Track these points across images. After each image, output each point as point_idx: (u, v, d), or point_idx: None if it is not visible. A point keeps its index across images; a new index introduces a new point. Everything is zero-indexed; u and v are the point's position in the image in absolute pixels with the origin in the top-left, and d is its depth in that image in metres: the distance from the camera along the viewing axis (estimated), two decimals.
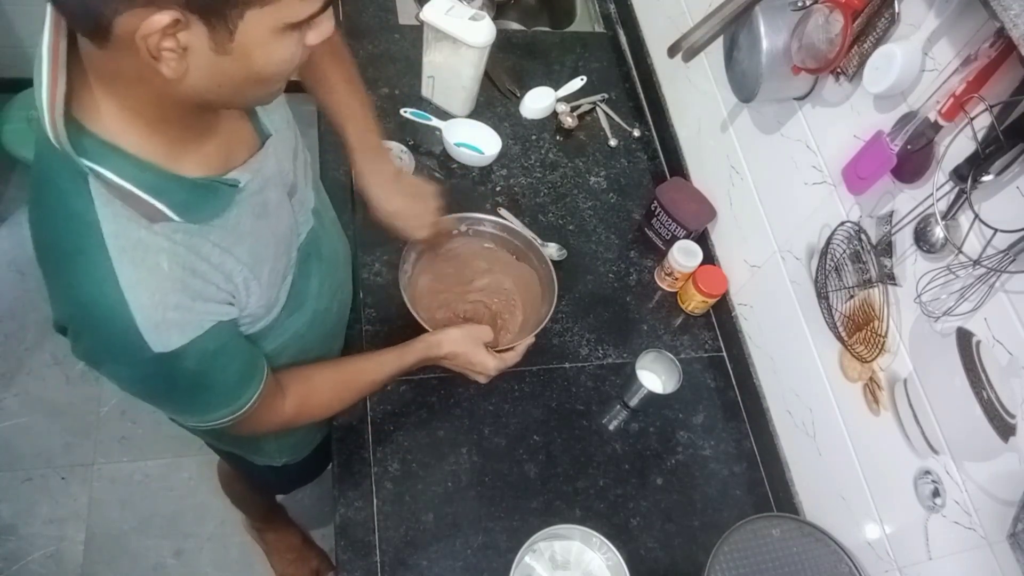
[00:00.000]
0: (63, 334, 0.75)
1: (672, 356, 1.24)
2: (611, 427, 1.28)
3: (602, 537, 1.10)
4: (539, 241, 1.30)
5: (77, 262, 0.66)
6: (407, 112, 1.47)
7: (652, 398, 1.24)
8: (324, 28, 0.66)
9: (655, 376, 1.28)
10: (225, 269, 0.75)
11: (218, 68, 0.60)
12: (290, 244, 0.88)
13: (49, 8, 0.58)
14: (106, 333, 0.68)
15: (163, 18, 0.54)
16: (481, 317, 1.26)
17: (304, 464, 1.31)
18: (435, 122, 1.48)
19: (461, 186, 1.46)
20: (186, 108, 0.66)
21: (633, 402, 1.28)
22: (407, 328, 1.15)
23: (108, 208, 0.64)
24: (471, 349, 1.08)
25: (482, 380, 1.13)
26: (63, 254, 0.67)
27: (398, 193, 1.09)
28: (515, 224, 1.30)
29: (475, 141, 1.49)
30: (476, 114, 1.55)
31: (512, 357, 1.13)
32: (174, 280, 0.69)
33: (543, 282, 1.24)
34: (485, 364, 1.09)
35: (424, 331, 1.11)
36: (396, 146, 1.40)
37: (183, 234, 0.69)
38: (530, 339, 1.16)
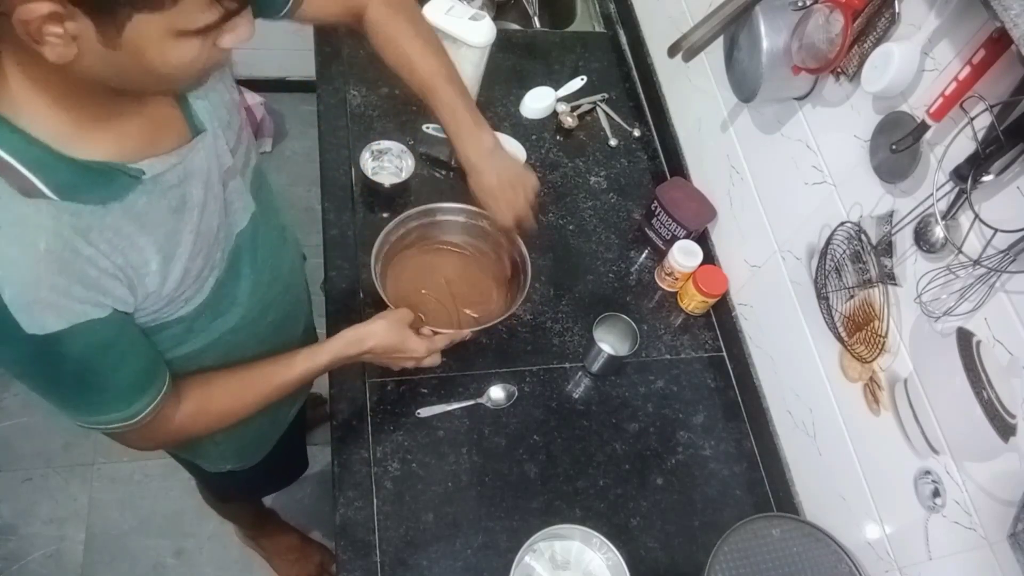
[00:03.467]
0: None
1: (628, 319, 1.26)
2: (576, 395, 1.29)
3: (602, 537, 1.10)
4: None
5: None
6: (430, 128, 1.45)
7: (611, 361, 1.27)
8: (241, 32, 0.64)
9: (614, 339, 1.30)
10: (121, 254, 0.71)
11: (110, 60, 0.58)
12: (213, 245, 0.83)
13: None
14: None
15: (40, 7, 0.52)
16: (444, 309, 1.24)
17: (259, 472, 1.27)
18: None
19: (462, 187, 1.46)
20: (97, 88, 0.64)
21: (594, 368, 1.30)
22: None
23: None
24: (399, 338, 1.02)
25: (410, 366, 1.07)
26: None
27: (494, 170, 1.06)
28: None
29: None
30: None
31: (440, 340, 1.08)
32: (51, 261, 0.65)
33: (517, 274, 1.23)
34: (415, 350, 1.03)
35: (384, 304, 1.10)
36: (396, 146, 1.40)
37: (70, 215, 0.66)
38: (465, 333, 1.12)
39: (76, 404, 0.78)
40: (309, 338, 1.23)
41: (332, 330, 1.21)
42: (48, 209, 0.64)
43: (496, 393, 1.24)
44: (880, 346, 1.02)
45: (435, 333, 1.09)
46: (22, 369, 0.73)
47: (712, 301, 1.39)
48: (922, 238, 0.93)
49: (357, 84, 1.54)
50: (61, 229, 0.65)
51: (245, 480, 1.29)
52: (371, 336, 1.01)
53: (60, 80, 0.62)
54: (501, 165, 1.07)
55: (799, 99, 1.15)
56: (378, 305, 1.28)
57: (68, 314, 0.68)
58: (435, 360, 1.09)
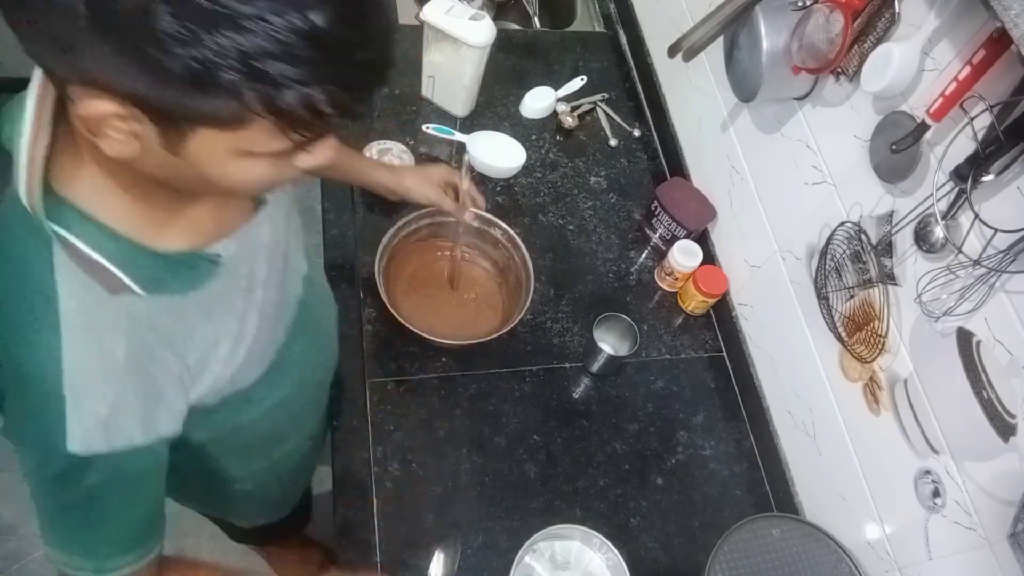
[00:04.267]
0: None
1: (628, 319, 1.27)
2: (576, 395, 1.29)
3: (602, 537, 1.10)
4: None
5: (24, 334, 0.60)
6: (430, 128, 1.46)
7: (611, 361, 1.27)
8: (319, 155, 0.59)
9: (614, 339, 1.31)
10: (193, 348, 0.69)
11: (171, 163, 0.55)
12: (276, 323, 0.81)
13: None
14: (30, 408, 0.62)
15: (103, 106, 0.49)
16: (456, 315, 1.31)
17: (287, 519, 1.29)
18: (459, 136, 1.47)
19: None
20: (163, 182, 0.61)
21: (594, 368, 1.30)
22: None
23: (70, 281, 0.59)
24: None
25: None
26: (12, 324, 0.60)
27: (402, 173, 1.25)
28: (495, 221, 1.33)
29: (498, 152, 1.47)
30: (476, 114, 1.55)
31: None
32: (126, 371, 0.62)
33: (521, 277, 1.29)
34: None
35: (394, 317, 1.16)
36: (396, 146, 1.40)
37: (149, 316, 0.63)
38: None
39: (59, 534, 0.72)
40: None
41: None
42: (130, 309, 0.62)
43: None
44: (880, 346, 1.02)
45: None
46: (33, 478, 0.69)
47: (712, 301, 1.39)
48: (922, 238, 0.93)
49: None
50: (140, 330, 0.63)
51: (275, 528, 1.30)
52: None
53: (130, 171, 0.58)
54: (405, 169, 1.28)
55: (799, 99, 1.15)
56: (378, 305, 1.28)
57: (117, 438, 0.64)
58: None
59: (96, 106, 0.50)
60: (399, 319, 1.16)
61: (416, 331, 1.17)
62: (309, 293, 0.90)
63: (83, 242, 0.60)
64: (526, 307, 1.24)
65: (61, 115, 0.58)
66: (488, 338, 1.20)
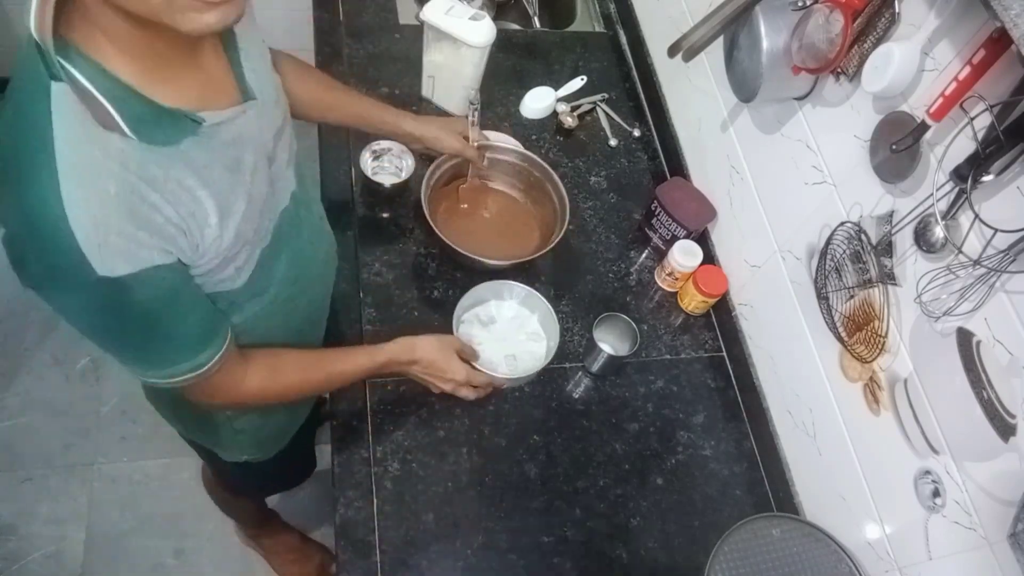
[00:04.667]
0: (13, 262, 0.72)
1: (628, 319, 1.28)
2: (576, 395, 1.30)
3: (510, 283, 1.26)
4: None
5: (25, 174, 0.65)
6: None
7: (611, 361, 1.27)
8: None
9: (614, 339, 1.32)
10: (183, 205, 0.73)
11: None
12: (263, 214, 0.87)
13: None
14: (48, 250, 0.67)
15: None
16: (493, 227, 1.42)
17: (274, 466, 1.28)
18: None
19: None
20: (150, 33, 0.66)
21: (594, 368, 1.30)
22: (408, 328, 1.15)
23: (64, 120, 0.64)
24: (444, 356, 1.11)
25: (448, 388, 1.14)
26: (14, 164, 0.66)
27: (428, 122, 1.31)
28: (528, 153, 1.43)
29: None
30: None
31: (482, 379, 1.16)
32: (119, 205, 0.67)
33: (557, 206, 1.38)
34: (455, 371, 1.12)
35: (432, 229, 1.26)
36: (396, 146, 1.40)
37: (137, 161, 0.68)
38: (503, 379, 1.20)
39: (145, 356, 0.81)
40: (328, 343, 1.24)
41: (332, 331, 1.22)
42: (120, 150, 0.67)
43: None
44: (880, 346, 1.02)
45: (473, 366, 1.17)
46: (92, 319, 0.75)
47: (712, 301, 1.39)
48: (922, 238, 0.93)
49: (357, 84, 1.54)
50: (128, 176, 0.67)
51: (258, 473, 1.30)
52: (420, 348, 1.09)
53: (122, 28, 0.65)
54: (429, 118, 1.33)
55: (799, 99, 1.15)
56: (378, 306, 1.28)
57: (136, 259, 0.69)
58: (469, 393, 1.17)
59: None
60: (453, 247, 1.27)
61: (469, 255, 1.27)
62: (295, 210, 0.95)
63: (82, 75, 0.64)
64: (566, 221, 1.33)
65: None
66: (536, 255, 1.30)
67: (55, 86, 0.63)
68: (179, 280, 0.77)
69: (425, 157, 1.37)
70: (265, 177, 0.86)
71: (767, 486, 1.29)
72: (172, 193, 0.72)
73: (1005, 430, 0.85)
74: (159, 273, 0.72)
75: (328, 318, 1.20)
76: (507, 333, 1.28)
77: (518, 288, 1.28)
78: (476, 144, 1.34)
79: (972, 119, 0.82)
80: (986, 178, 0.82)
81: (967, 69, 0.81)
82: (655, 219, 1.44)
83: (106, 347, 0.80)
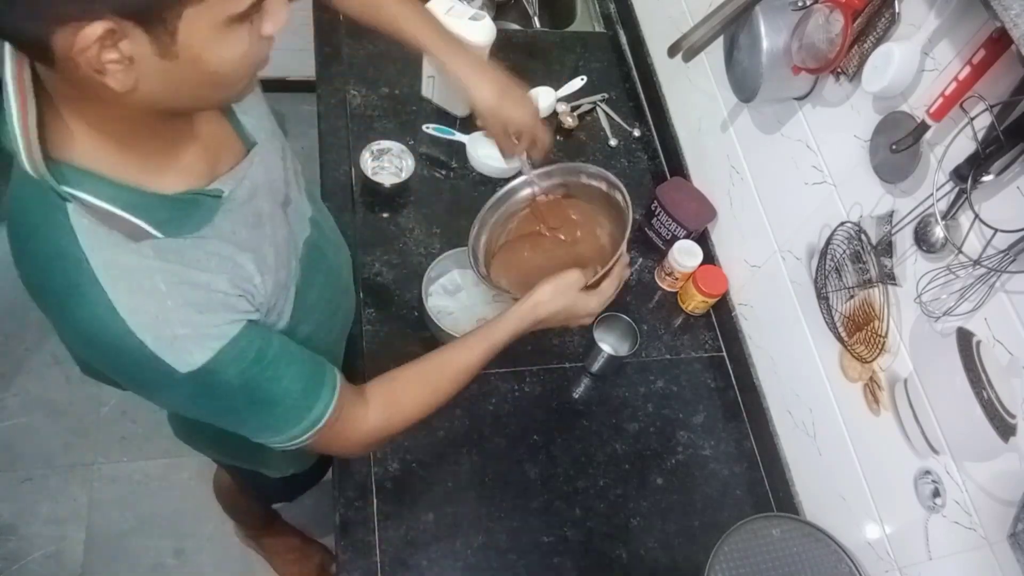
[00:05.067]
0: (98, 378, 0.72)
1: (628, 319, 1.28)
2: (576, 395, 1.30)
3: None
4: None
5: (73, 300, 0.64)
6: (430, 128, 1.45)
7: (611, 361, 1.27)
8: (278, 15, 0.63)
9: (614, 339, 1.32)
10: (230, 273, 0.73)
11: (169, 74, 0.58)
12: (289, 255, 0.86)
13: None
14: (126, 363, 0.67)
15: (96, 29, 0.51)
16: (560, 259, 1.12)
17: (310, 471, 1.30)
18: (459, 136, 1.47)
19: (460, 186, 1.46)
20: (153, 119, 0.65)
21: (594, 368, 1.30)
22: (408, 328, 1.16)
23: (91, 238, 0.63)
24: (568, 301, 0.98)
25: (588, 322, 1.03)
26: (57, 295, 0.65)
27: (493, 81, 1.02)
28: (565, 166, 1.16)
29: (498, 152, 1.46)
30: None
31: (609, 285, 1.00)
32: (175, 297, 0.67)
33: (611, 203, 1.10)
34: (588, 308, 0.99)
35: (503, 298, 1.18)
36: (396, 146, 1.40)
37: (174, 252, 0.67)
38: (622, 258, 1.01)
39: (262, 426, 0.79)
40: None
41: None
42: (151, 251, 0.66)
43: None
44: (880, 346, 1.02)
45: (602, 279, 1.00)
46: (196, 408, 0.75)
47: (712, 301, 1.39)
48: (922, 238, 0.93)
49: (357, 84, 1.54)
50: (169, 267, 0.67)
51: (302, 480, 1.30)
52: (539, 305, 0.97)
53: (117, 119, 0.63)
54: (496, 76, 1.02)
55: (799, 99, 1.15)
56: (378, 306, 1.28)
57: (209, 342, 0.69)
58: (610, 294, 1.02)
59: (87, 34, 0.52)
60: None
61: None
62: (318, 235, 0.94)
63: (94, 196, 0.62)
64: (629, 225, 1.02)
65: (39, 88, 0.60)
66: (608, 268, 1.01)
67: (71, 208, 0.62)
68: (259, 340, 0.74)
69: (426, 158, 1.33)
70: (283, 221, 0.85)
71: (767, 486, 1.29)
72: (218, 267, 0.71)
73: (1005, 430, 0.85)
74: (237, 345, 0.71)
75: None
76: (474, 299, 1.30)
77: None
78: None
79: (972, 119, 0.82)
80: (986, 178, 0.81)
81: (967, 69, 0.81)
82: (655, 219, 1.44)
83: (227, 428, 0.78)
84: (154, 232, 0.66)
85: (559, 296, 0.97)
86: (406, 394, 0.91)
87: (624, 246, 1.00)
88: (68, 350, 0.72)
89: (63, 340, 0.71)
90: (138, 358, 0.65)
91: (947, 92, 0.83)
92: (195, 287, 0.69)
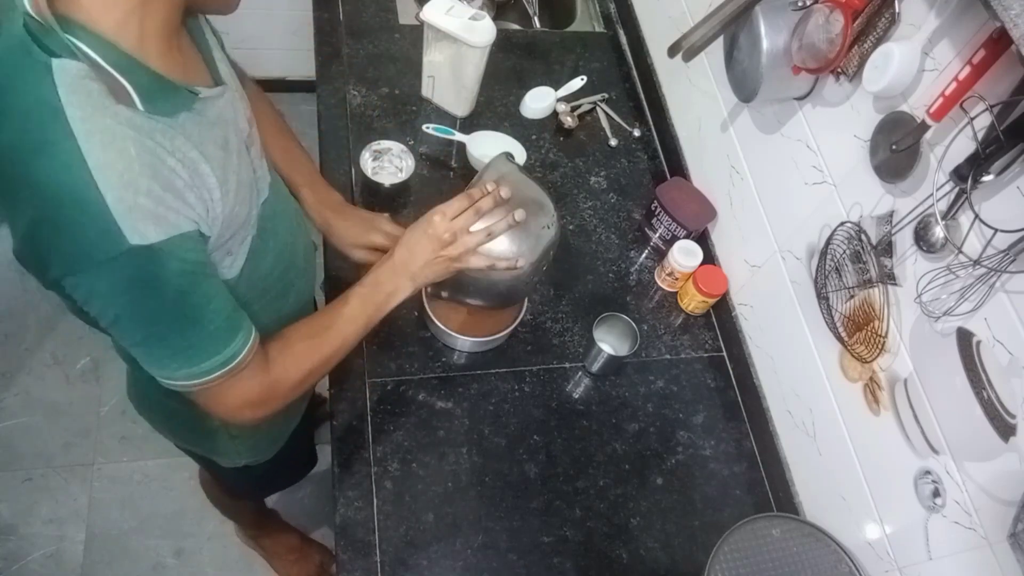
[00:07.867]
0: (26, 263, 0.69)
1: (628, 319, 1.28)
2: (576, 395, 1.30)
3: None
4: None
5: (43, 153, 0.63)
6: (430, 128, 1.45)
7: (611, 361, 1.27)
8: None
9: (614, 339, 1.32)
10: (195, 164, 0.72)
11: None
12: (251, 198, 0.85)
13: None
14: (78, 221, 0.65)
15: None
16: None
17: (273, 467, 1.28)
18: (459, 136, 1.47)
19: (460, 186, 1.46)
20: (168, 6, 0.68)
21: (594, 368, 1.30)
22: (408, 327, 1.16)
23: (72, 93, 0.63)
24: (418, 228, 0.99)
25: (455, 252, 0.98)
26: (28, 150, 0.64)
27: (344, 215, 1.18)
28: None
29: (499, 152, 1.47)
30: (476, 114, 1.55)
31: (463, 219, 0.99)
32: (143, 164, 0.66)
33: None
34: (439, 212, 0.98)
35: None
36: (396, 146, 1.40)
37: (147, 130, 0.68)
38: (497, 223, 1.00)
39: (178, 347, 0.76)
40: None
41: None
42: (129, 119, 0.66)
43: None
44: (880, 346, 1.02)
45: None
46: (124, 299, 0.71)
47: (712, 301, 1.39)
48: (922, 238, 0.93)
49: (357, 84, 1.54)
50: (142, 139, 0.67)
51: (259, 475, 1.29)
52: (400, 245, 0.99)
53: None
54: (347, 211, 1.20)
55: (799, 99, 1.15)
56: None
57: (165, 224, 0.68)
58: (480, 262, 1.00)
59: None
60: (439, 325, 1.22)
61: (448, 331, 1.21)
62: (275, 200, 0.94)
63: (90, 48, 0.64)
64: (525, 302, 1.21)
65: None
66: (503, 333, 1.22)
67: (56, 63, 0.62)
68: (203, 255, 0.75)
69: (426, 158, 1.35)
70: (247, 161, 0.86)
71: (767, 486, 1.29)
72: (181, 162, 0.71)
73: (1005, 430, 0.85)
74: (186, 243, 0.71)
75: None
76: None
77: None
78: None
79: (972, 119, 0.82)
80: (986, 178, 0.82)
81: (967, 69, 0.81)
82: (655, 219, 1.44)
83: (136, 338, 0.75)
84: (135, 98, 0.66)
85: (409, 233, 1.00)
86: (301, 352, 0.92)
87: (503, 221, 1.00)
88: (13, 230, 0.69)
89: (14, 215, 0.67)
90: (93, 216, 0.64)
91: (947, 92, 0.83)
92: (163, 165, 0.68)
